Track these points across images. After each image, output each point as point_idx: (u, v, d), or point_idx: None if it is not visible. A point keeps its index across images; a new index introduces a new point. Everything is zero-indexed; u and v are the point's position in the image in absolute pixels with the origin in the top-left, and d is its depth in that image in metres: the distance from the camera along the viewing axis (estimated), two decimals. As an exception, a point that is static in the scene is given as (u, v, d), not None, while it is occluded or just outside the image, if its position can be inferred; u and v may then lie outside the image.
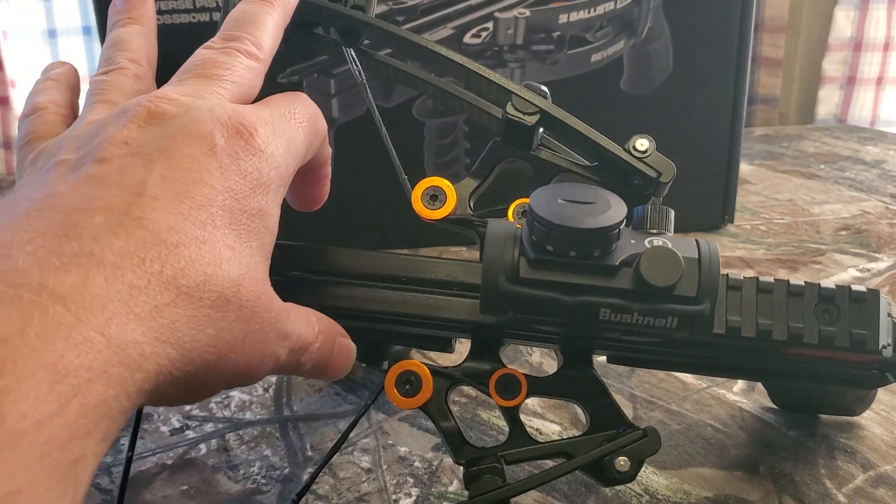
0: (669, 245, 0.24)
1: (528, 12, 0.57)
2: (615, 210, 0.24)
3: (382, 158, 0.61)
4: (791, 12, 1.15)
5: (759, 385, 0.43)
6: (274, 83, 0.59)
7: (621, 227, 0.24)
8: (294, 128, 0.27)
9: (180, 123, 0.24)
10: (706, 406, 0.42)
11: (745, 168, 0.84)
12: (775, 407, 0.42)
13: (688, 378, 0.45)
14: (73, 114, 0.31)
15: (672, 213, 0.26)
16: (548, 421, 0.41)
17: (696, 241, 0.25)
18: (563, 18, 0.58)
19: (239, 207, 0.24)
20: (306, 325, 0.28)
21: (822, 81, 1.16)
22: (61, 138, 0.26)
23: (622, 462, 0.28)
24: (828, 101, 1.16)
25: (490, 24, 0.57)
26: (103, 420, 0.19)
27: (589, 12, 0.58)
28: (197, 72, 0.27)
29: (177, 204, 0.22)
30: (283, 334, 0.26)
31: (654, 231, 0.26)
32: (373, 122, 0.61)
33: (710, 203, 0.65)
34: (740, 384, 0.44)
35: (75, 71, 0.35)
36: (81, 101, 0.32)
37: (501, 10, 0.57)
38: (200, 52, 0.29)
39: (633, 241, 0.25)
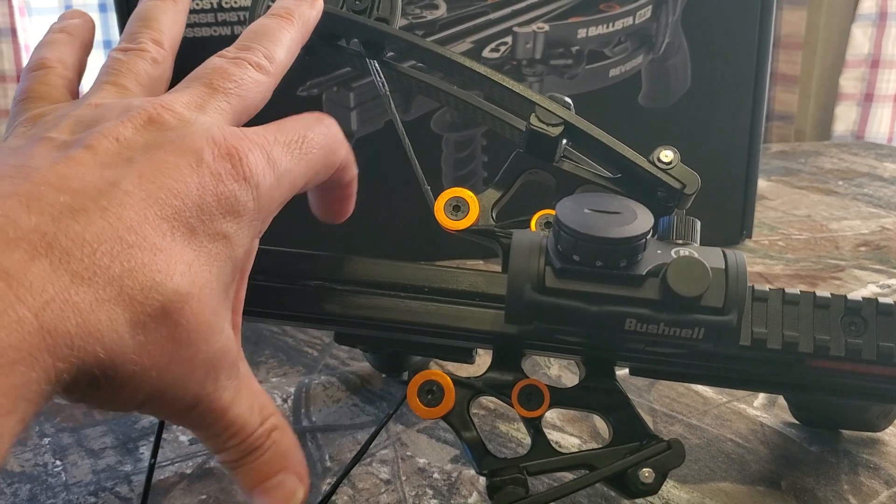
0: (696, 255, 0.24)
1: (547, 27, 0.57)
2: (642, 220, 0.24)
3: (400, 171, 0.61)
4: (808, 29, 1.15)
5: (780, 400, 0.43)
6: (294, 97, 0.60)
7: (648, 236, 0.24)
8: (296, 159, 0.26)
9: (175, 135, 0.24)
10: (727, 421, 0.42)
11: (762, 184, 0.83)
12: (797, 422, 0.41)
13: (708, 392, 0.44)
14: (79, 75, 0.31)
15: (698, 224, 0.26)
16: (567, 434, 0.41)
17: (723, 251, 0.25)
18: (581, 33, 0.58)
19: (203, 228, 0.23)
20: (249, 409, 0.26)
21: (839, 98, 1.16)
22: (62, 114, 0.26)
23: (646, 474, 0.27)
24: (845, 118, 1.16)
25: (509, 39, 0.58)
26: (23, 402, 0.19)
27: (607, 27, 0.58)
28: (206, 80, 0.27)
29: (144, 205, 0.22)
30: (208, 387, 0.24)
31: (681, 241, 0.26)
32: (391, 134, 0.62)
33: (728, 218, 0.65)
34: (761, 399, 0.44)
35: (92, 25, 0.33)
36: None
37: (520, 24, 0.57)
38: (213, 60, 0.28)
39: (659, 252, 0.25)
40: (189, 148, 0.24)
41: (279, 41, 0.30)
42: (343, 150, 0.29)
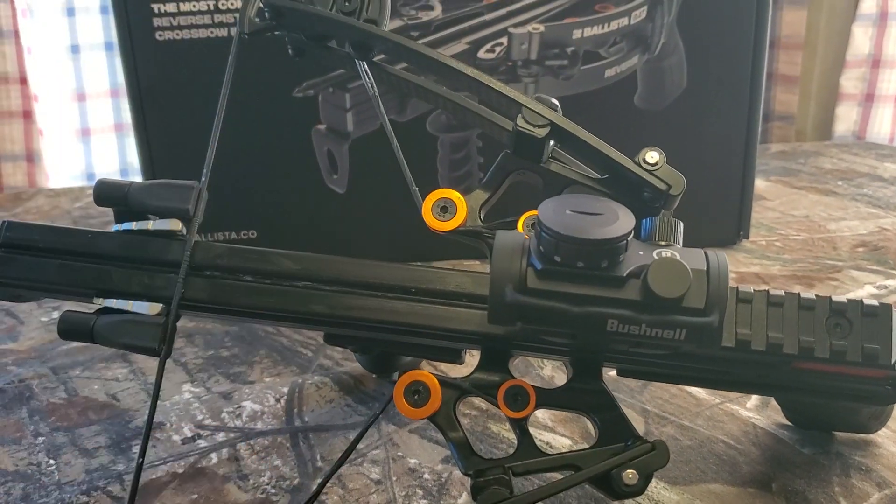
0: (678, 256, 0.24)
1: (542, 28, 0.57)
2: (623, 221, 0.24)
3: (395, 173, 0.61)
4: (808, 29, 1.15)
5: (773, 402, 0.43)
6: (289, 98, 0.60)
7: (629, 238, 0.24)
8: None
9: None
10: (719, 422, 0.42)
11: (760, 184, 0.83)
12: (790, 424, 0.41)
13: (700, 394, 0.44)
14: None
15: (681, 226, 0.26)
16: (558, 435, 0.41)
17: (705, 252, 0.25)
18: (577, 34, 0.58)
19: None
20: None
21: (840, 98, 1.15)
22: None
23: (630, 475, 0.27)
24: (846, 119, 1.16)
25: (504, 40, 0.58)
26: None
27: (603, 28, 0.58)
28: None
29: None
30: None
31: (664, 243, 0.26)
32: (387, 137, 0.62)
33: (725, 219, 0.64)
34: (754, 400, 0.44)
35: None
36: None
37: (516, 25, 0.57)
38: None
39: (641, 253, 0.25)
40: None
41: None
42: None
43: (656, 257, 0.24)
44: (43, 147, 1.09)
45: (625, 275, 0.24)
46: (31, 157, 1.07)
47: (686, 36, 0.59)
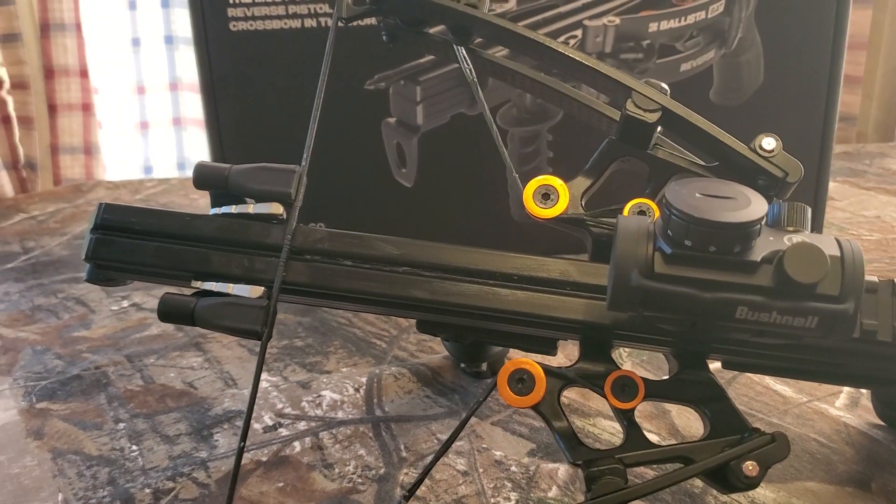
0: (812, 242, 0.24)
1: (617, 20, 0.57)
2: (756, 205, 0.24)
3: (465, 166, 0.61)
4: (872, 29, 1.12)
5: (863, 400, 0.42)
6: (361, 91, 0.60)
7: (762, 222, 0.24)
8: None
9: None
10: (808, 420, 0.41)
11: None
12: (881, 423, 0.40)
13: (787, 391, 0.43)
14: None
15: (809, 211, 0.25)
16: (645, 431, 0.40)
17: (837, 238, 0.24)
18: (653, 27, 0.57)
19: None
20: None
21: (904, 100, 1.13)
22: None
23: (750, 467, 0.27)
24: (909, 120, 1.13)
25: (579, 32, 0.57)
26: None
27: (679, 21, 0.57)
28: None
29: None
30: None
31: (792, 228, 0.25)
32: (457, 129, 0.61)
33: (799, 217, 0.63)
34: (843, 399, 0.43)
35: None
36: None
37: (591, 17, 0.57)
38: None
39: (771, 238, 0.24)
40: None
41: None
42: None
43: (788, 242, 0.24)
44: (101, 140, 1.10)
45: (758, 260, 0.24)
46: (90, 150, 1.08)
47: (764, 31, 0.58)
